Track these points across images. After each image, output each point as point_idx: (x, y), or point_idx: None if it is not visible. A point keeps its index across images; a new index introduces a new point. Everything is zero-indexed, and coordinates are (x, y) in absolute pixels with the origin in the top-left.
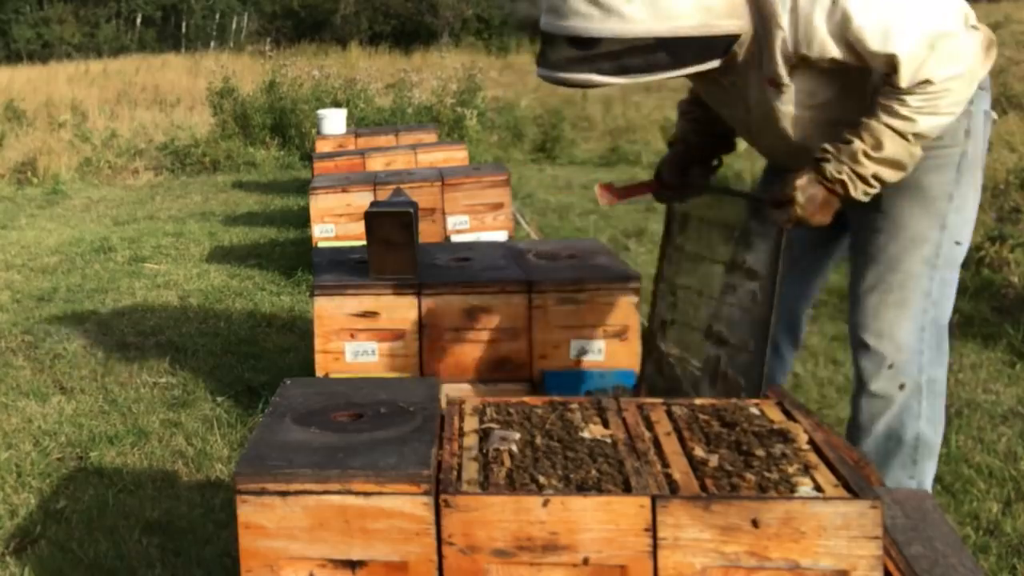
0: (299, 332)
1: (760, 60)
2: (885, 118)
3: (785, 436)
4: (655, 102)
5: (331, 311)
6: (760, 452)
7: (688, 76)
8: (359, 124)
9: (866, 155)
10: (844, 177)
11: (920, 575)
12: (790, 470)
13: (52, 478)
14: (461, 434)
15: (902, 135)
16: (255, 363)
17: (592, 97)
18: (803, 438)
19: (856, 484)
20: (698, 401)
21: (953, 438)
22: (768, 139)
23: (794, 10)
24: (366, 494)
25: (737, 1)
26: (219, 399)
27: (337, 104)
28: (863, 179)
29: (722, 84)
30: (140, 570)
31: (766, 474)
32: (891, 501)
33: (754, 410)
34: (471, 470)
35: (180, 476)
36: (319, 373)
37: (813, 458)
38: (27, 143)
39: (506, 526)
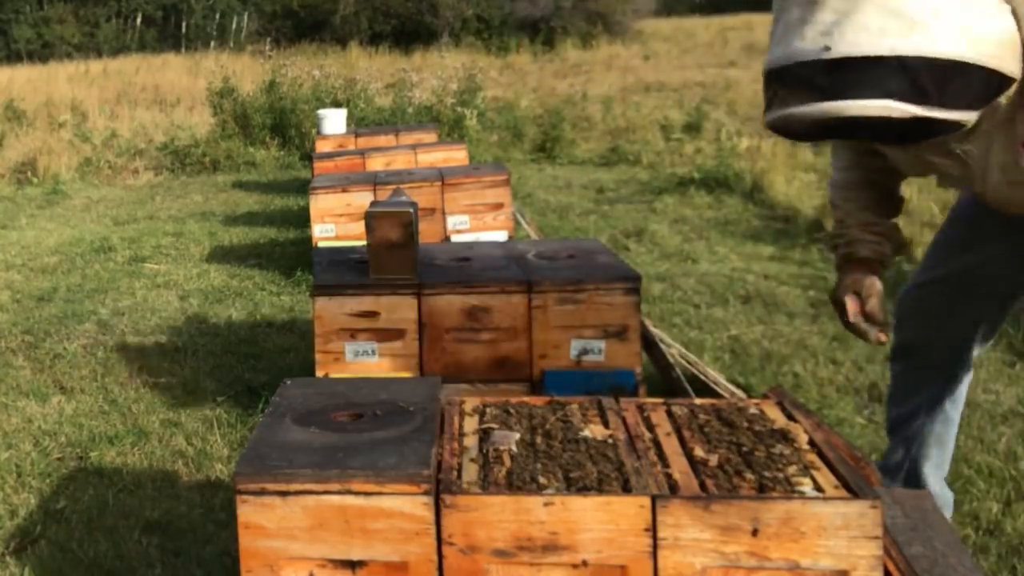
0: (299, 332)
1: (1012, 119)
2: None
3: (785, 436)
4: (655, 102)
5: (331, 311)
6: (760, 452)
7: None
8: (359, 124)
9: None
10: None
11: (920, 575)
12: (790, 470)
13: (52, 478)
14: (461, 434)
15: None
16: (255, 363)
17: (592, 97)
18: (803, 438)
19: (856, 484)
20: (698, 401)
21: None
22: (1015, 199)
23: None
24: (366, 494)
25: (1018, 43)
26: (219, 399)
27: (337, 104)
28: None
29: (951, 153)
30: (140, 570)
31: (766, 474)
32: (891, 501)
33: (754, 410)
34: (471, 470)
35: (180, 476)
36: (319, 373)
37: (813, 458)
38: (27, 143)
39: (506, 526)
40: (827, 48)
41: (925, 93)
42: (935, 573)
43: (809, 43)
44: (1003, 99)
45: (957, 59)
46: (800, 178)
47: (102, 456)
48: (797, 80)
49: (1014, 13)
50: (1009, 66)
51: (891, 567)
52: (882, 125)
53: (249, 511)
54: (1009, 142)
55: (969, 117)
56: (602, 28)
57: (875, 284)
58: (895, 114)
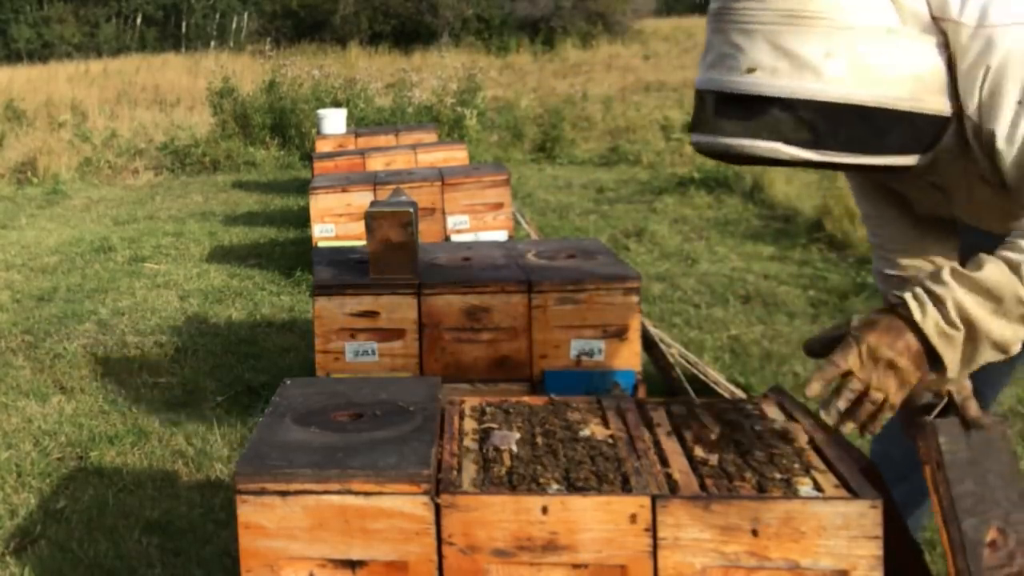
0: (299, 332)
1: (965, 155)
2: (1001, 249)
3: (785, 436)
4: (655, 101)
5: (331, 311)
6: (760, 452)
7: (879, 171)
8: (359, 124)
9: (953, 272)
10: (907, 295)
11: (960, 515)
12: (790, 470)
13: (52, 478)
14: (461, 434)
15: (1011, 267)
16: (255, 363)
17: (592, 97)
18: (803, 438)
19: (856, 484)
20: (698, 401)
21: None
22: (993, 225)
23: (982, 95)
24: (366, 494)
25: (945, 80)
26: (219, 399)
27: (337, 104)
28: (937, 301)
29: (918, 185)
30: (140, 570)
31: (766, 474)
32: (957, 435)
33: (754, 410)
34: (471, 470)
35: (180, 476)
36: (319, 373)
37: (813, 458)
38: (27, 143)
39: (506, 526)
40: (724, 82)
41: (816, 136)
42: (977, 511)
43: (711, 72)
44: (946, 138)
45: (850, 102)
46: (800, 178)
47: (102, 456)
48: (703, 108)
49: (945, 44)
50: (931, 104)
51: (936, 506)
52: (783, 163)
53: (249, 511)
54: (968, 175)
55: (904, 160)
56: (602, 28)
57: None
58: (783, 156)
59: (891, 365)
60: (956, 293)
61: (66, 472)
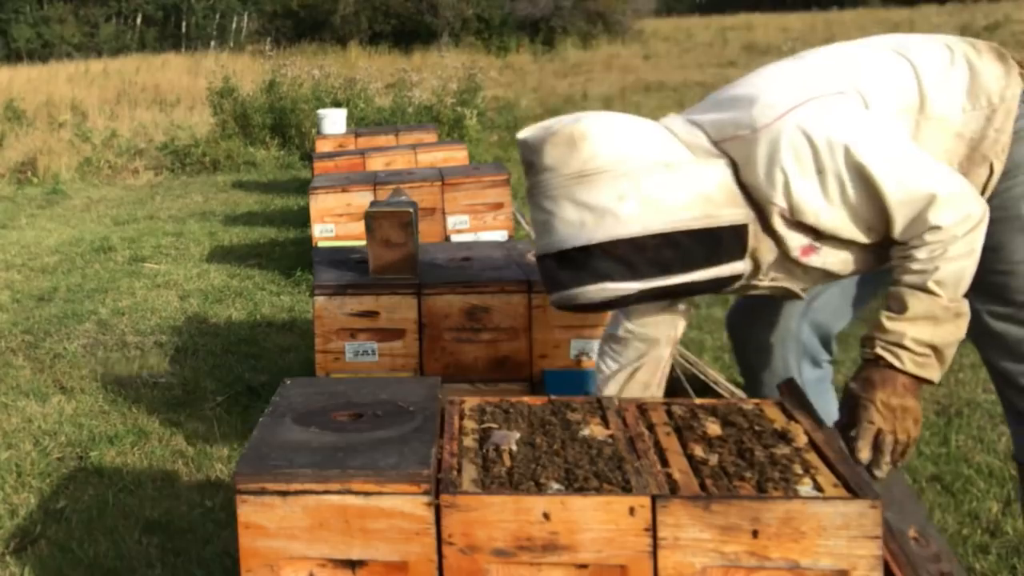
0: (299, 332)
1: (781, 244)
2: (901, 277)
3: (785, 436)
4: (655, 102)
5: (331, 311)
6: (760, 452)
7: (728, 287)
8: (359, 124)
9: (890, 319)
10: (879, 351)
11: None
12: (790, 470)
13: (52, 478)
14: (461, 434)
15: (922, 289)
16: (255, 363)
17: (592, 97)
18: (803, 438)
19: (856, 484)
20: (698, 401)
21: (953, 438)
22: (841, 279)
23: (786, 187)
24: (366, 494)
25: (734, 190)
26: (219, 399)
27: (337, 104)
28: (900, 346)
29: (760, 287)
30: (140, 570)
31: (766, 474)
32: None
33: (754, 410)
34: (471, 470)
35: (180, 476)
36: (319, 373)
37: (813, 458)
38: (27, 143)
39: (506, 526)
40: (547, 245)
41: (634, 268)
42: (895, 511)
43: (539, 240)
44: (752, 239)
45: (650, 233)
46: None
47: (102, 456)
48: (543, 272)
49: (731, 162)
50: (725, 217)
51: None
52: (627, 300)
53: (249, 511)
54: (793, 260)
55: (730, 269)
56: (602, 28)
57: None
58: (614, 293)
59: (904, 409)
60: (907, 331)
61: (66, 472)
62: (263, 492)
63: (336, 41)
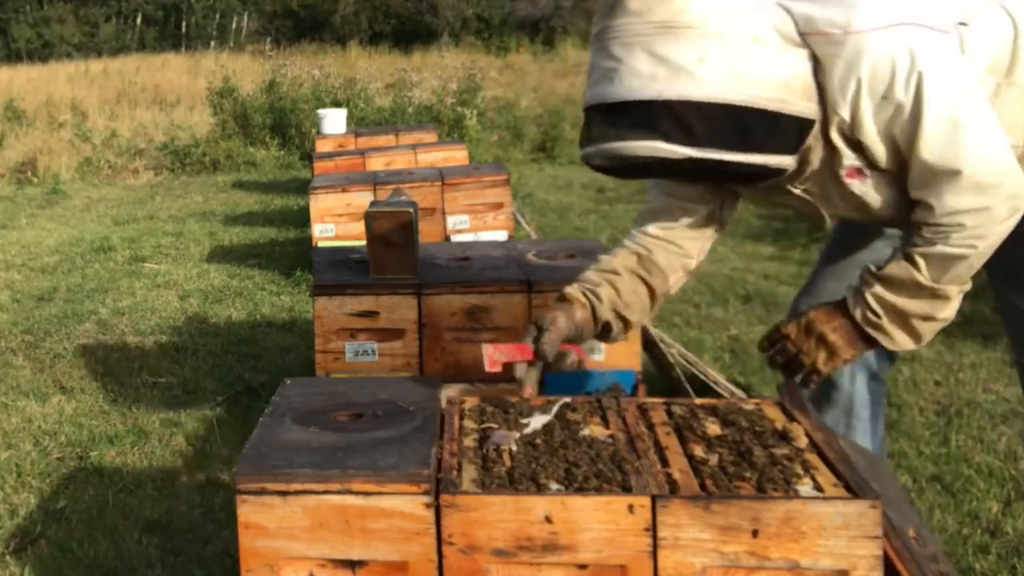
0: (299, 332)
1: (831, 155)
2: (904, 240)
3: (785, 436)
4: None
5: (331, 311)
6: (760, 452)
7: (766, 181)
8: (359, 124)
9: (868, 271)
10: (846, 292)
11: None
12: (790, 470)
13: (52, 478)
14: (461, 434)
15: (907, 258)
16: (255, 363)
17: None
18: (803, 438)
19: (856, 484)
20: (698, 401)
21: (953, 438)
22: (878, 219)
23: (855, 100)
24: (366, 494)
25: (812, 85)
26: (219, 399)
27: (337, 104)
28: (860, 295)
29: (793, 194)
30: (140, 570)
31: (766, 474)
32: (853, 449)
33: (754, 410)
34: (471, 470)
35: (180, 476)
36: (319, 373)
37: (813, 458)
38: (27, 143)
39: (506, 526)
40: (606, 94)
41: (692, 134)
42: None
43: (596, 88)
44: (811, 139)
45: (722, 102)
46: None
47: (102, 456)
48: (588, 123)
49: (813, 56)
50: (797, 107)
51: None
52: (667, 166)
53: (249, 511)
54: (836, 177)
55: (778, 161)
56: None
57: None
58: (663, 154)
59: (822, 339)
60: (874, 288)
61: (66, 472)
62: (263, 492)
63: (336, 41)
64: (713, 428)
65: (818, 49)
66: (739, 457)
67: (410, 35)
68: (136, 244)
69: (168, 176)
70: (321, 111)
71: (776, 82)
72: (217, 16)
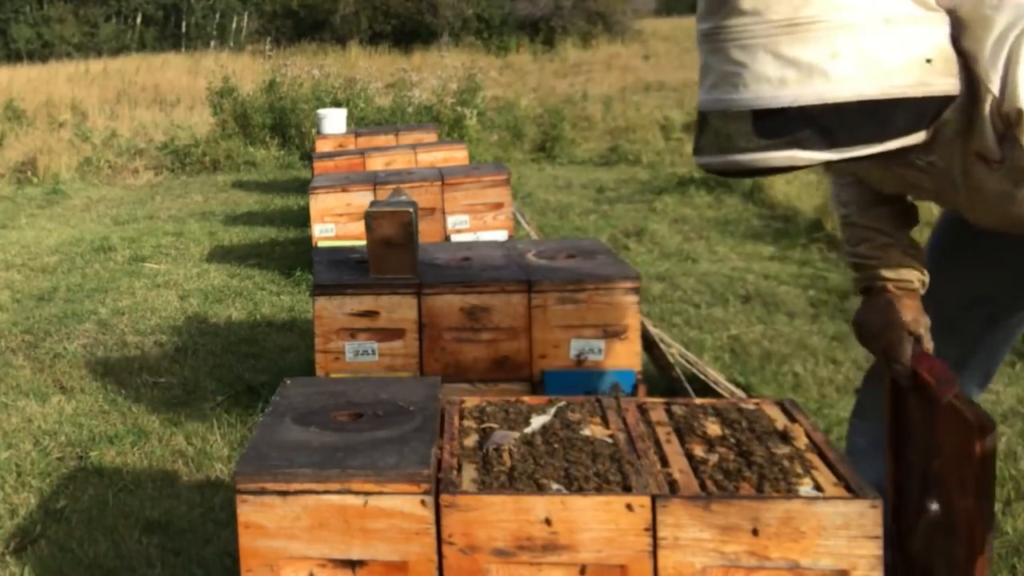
0: (299, 332)
1: (967, 131)
2: None
3: (785, 436)
4: (655, 101)
5: (331, 311)
6: (760, 452)
7: (880, 156)
8: (359, 124)
9: None
10: None
11: None
12: (790, 470)
13: (52, 478)
14: (461, 434)
15: None
16: (255, 363)
17: (592, 97)
18: (803, 438)
19: (856, 484)
20: (698, 401)
21: None
22: (982, 215)
23: (1007, 69)
24: (366, 494)
25: (952, 57)
26: (219, 399)
27: (337, 104)
28: None
29: (916, 165)
30: (140, 570)
31: (766, 474)
32: None
33: (754, 410)
34: (471, 470)
35: (180, 476)
36: (319, 373)
37: (813, 458)
38: (27, 143)
39: (506, 526)
40: (731, 101)
41: (832, 138)
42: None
43: (715, 92)
44: (948, 113)
45: (861, 99)
46: (800, 178)
47: (102, 456)
48: (711, 129)
49: (956, 19)
50: (939, 86)
51: (972, 481)
52: (802, 166)
53: (249, 511)
54: (965, 152)
55: (910, 140)
56: (602, 28)
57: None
58: (800, 163)
59: None
60: None
61: (66, 472)
62: (263, 492)
63: (336, 41)
64: (713, 428)
65: (962, 10)
66: (739, 457)
67: (410, 35)
68: (136, 244)
69: (168, 176)
70: (321, 111)
71: (915, 64)
72: (217, 16)
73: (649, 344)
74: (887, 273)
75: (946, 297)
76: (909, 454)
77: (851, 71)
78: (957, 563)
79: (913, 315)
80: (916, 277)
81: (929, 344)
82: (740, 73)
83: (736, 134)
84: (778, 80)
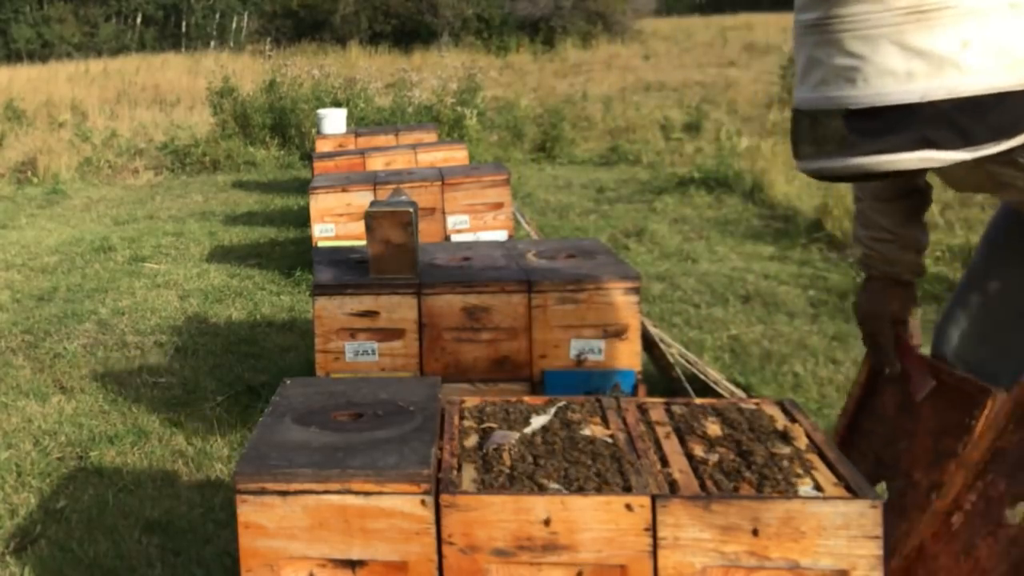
0: (299, 332)
1: None
2: None
3: (785, 436)
4: (655, 101)
5: (331, 311)
6: (760, 452)
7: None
8: (359, 124)
9: None
10: None
11: None
12: (790, 470)
13: (52, 478)
14: (461, 434)
15: None
16: (255, 363)
17: (592, 97)
18: (803, 438)
19: (856, 484)
20: (698, 401)
21: None
22: None
23: None
24: (366, 494)
25: None
26: (219, 399)
27: (337, 104)
28: None
29: (1017, 164)
30: (140, 570)
31: (766, 474)
32: None
33: (754, 410)
34: (471, 470)
35: (180, 476)
36: (319, 373)
37: (813, 458)
38: (27, 143)
39: (506, 526)
40: (850, 98)
41: (966, 135)
42: None
43: (826, 89)
44: None
45: (996, 91)
46: (800, 178)
47: (102, 456)
48: (824, 129)
49: None
50: None
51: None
52: (936, 166)
53: (249, 511)
54: None
55: (1005, 146)
56: (602, 28)
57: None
58: (934, 164)
59: None
60: None
61: (66, 472)
62: (263, 492)
63: (336, 41)
64: (713, 428)
65: None
66: (739, 457)
67: (410, 35)
68: (136, 244)
69: (168, 176)
70: (321, 111)
71: None
72: (217, 16)
73: (649, 344)
74: (881, 263)
75: (1018, 290)
76: (862, 443)
77: (982, 61)
78: (900, 540)
79: (899, 305)
80: (909, 269)
81: (917, 336)
82: (859, 67)
83: (859, 135)
84: (905, 74)
